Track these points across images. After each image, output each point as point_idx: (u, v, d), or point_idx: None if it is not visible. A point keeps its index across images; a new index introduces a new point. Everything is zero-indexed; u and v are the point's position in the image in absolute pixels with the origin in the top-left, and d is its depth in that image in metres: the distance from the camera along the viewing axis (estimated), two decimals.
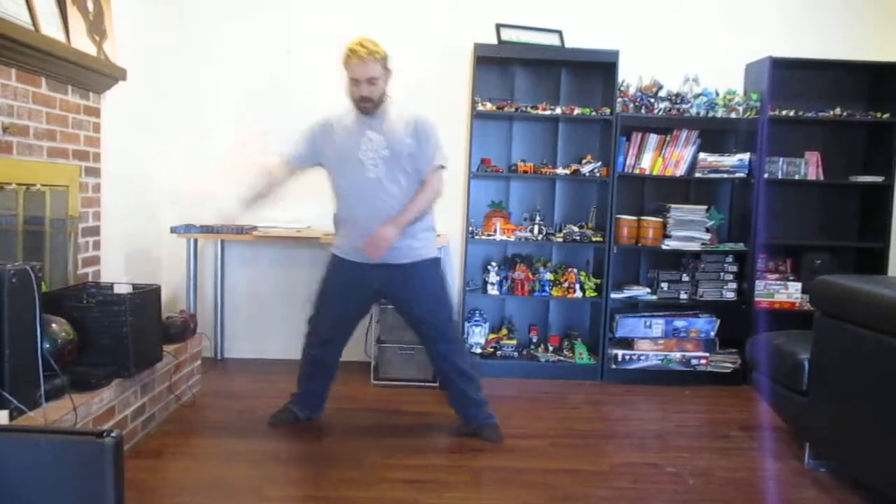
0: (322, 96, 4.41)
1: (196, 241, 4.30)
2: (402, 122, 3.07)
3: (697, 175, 4.32)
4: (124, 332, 2.83)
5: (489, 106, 4.26)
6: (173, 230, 4.11)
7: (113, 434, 1.47)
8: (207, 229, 4.15)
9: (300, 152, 3.24)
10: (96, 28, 3.33)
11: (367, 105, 3.03)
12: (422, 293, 3.21)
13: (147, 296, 3.07)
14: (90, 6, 3.29)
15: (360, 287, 3.23)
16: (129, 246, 3.98)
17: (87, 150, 3.35)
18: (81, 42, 3.16)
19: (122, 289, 3.11)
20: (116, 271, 3.73)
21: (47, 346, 2.48)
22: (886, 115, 4.31)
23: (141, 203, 4.15)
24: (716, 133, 4.44)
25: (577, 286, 4.33)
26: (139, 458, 2.88)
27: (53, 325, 2.61)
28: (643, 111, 4.28)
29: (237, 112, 4.46)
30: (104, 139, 3.49)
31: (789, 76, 4.32)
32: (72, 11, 3.11)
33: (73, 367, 2.65)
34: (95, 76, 3.30)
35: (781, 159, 4.36)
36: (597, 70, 4.40)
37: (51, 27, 2.93)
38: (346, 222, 3.25)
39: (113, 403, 2.78)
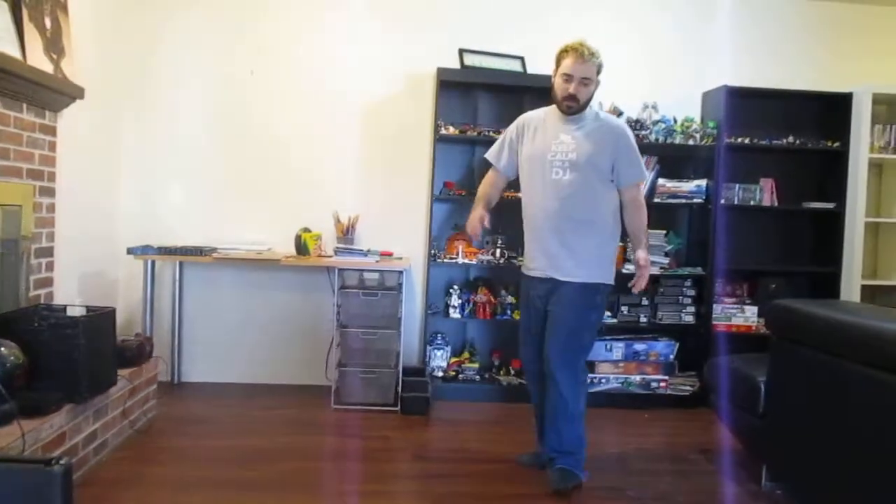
0: (284, 117, 4.45)
1: (153, 263, 4.23)
2: (600, 132, 3.03)
3: (656, 200, 4.39)
4: (77, 355, 2.76)
5: (452, 130, 4.28)
6: (130, 251, 4.04)
7: (62, 461, 1.43)
8: (165, 251, 4.08)
9: (507, 160, 3.24)
10: (53, 46, 3.28)
11: (573, 104, 3.00)
12: (563, 311, 3.02)
13: (101, 318, 3.00)
14: (48, 24, 3.24)
15: (535, 303, 3.13)
16: (84, 267, 3.89)
17: (42, 170, 3.28)
18: (38, 60, 3.10)
19: (75, 311, 3.03)
20: (70, 293, 3.64)
21: None
22: (837, 144, 4.44)
23: (97, 224, 4.07)
24: (674, 159, 4.52)
25: None
26: (91, 487, 2.79)
27: (2, 349, 2.54)
28: None
29: (198, 132, 4.42)
30: (60, 158, 3.43)
31: (745, 104, 4.43)
32: (28, 28, 3.06)
33: (22, 392, 2.57)
34: (52, 94, 3.24)
35: (737, 185, 4.47)
36: None
37: (6, 44, 2.88)
38: (526, 227, 3.20)
39: (64, 429, 2.70)
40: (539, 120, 3.15)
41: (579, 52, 2.97)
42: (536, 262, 3.12)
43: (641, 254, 3.07)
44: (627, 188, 3.07)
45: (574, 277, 3.00)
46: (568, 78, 2.98)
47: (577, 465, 3.05)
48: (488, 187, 3.31)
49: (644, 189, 3.18)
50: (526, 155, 3.14)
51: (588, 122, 3.06)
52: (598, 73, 3.03)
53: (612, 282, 3.11)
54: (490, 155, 3.30)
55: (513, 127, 3.24)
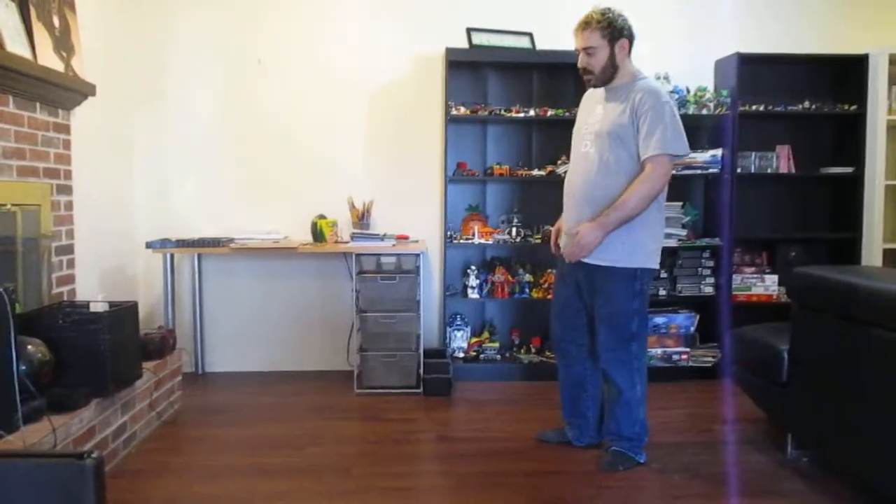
0: (295, 105, 4.45)
1: (172, 256, 4.26)
2: (628, 99, 2.80)
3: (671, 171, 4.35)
4: (102, 350, 2.79)
5: (463, 110, 4.26)
6: (149, 245, 4.07)
7: (93, 455, 1.45)
8: (183, 244, 4.11)
9: None
10: (63, 44, 3.29)
11: (589, 77, 2.88)
12: (605, 300, 2.91)
13: (124, 313, 3.03)
14: (56, 22, 3.25)
15: (567, 280, 3.03)
16: (103, 263, 3.93)
17: (58, 168, 3.31)
18: (48, 58, 3.12)
19: (98, 307, 3.07)
20: (92, 289, 3.68)
21: (23, 368, 2.45)
22: (854, 107, 4.38)
23: (115, 219, 4.10)
24: (687, 130, 4.36)
25: None
26: (122, 479, 2.84)
27: (29, 347, 2.58)
28: None
29: (210, 124, 4.43)
30: (75, 156, 3.45)
31: (758, 71, 4.37)
32: (38, 28, 3.07)
33: (50, 389, 2.62)
34: (63, 92, 3.26)
35: (753, 154, 4.42)
36: (568, 71, 4.40)
37: (16, 44, 2.89)
38: (565, 206, 3.02)
39: (93, 424, 2.75)
40: (591, 93, 3.03)
41: (578, 23, 2.87)
42: (563, 239, 3.02)
43: (586, 225, 2.80)
44: (644, 160, 2.77)
45: (601, 261, 2.85)
46: (578, 52, 2.91)
47: (634, 448, 2.99)
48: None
49: (668, 166, 2.76)
50: (575, 126, 3.06)
51: (622, 93, 2.85)
52: (608, 36, 2.82)
53: (653, 266, 2.90)
54: None
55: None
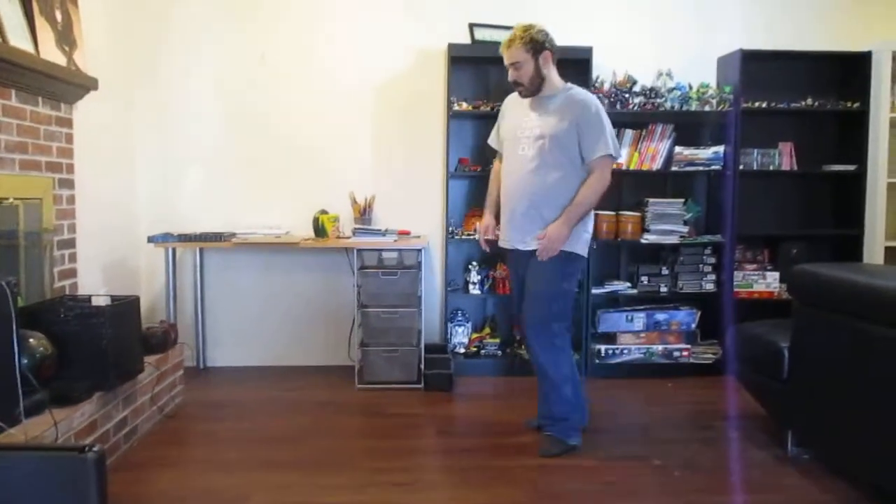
0: (297, 100, 4.44)
1: (174, 250, 4.26)
2: (564, 106, 3.07)
3: (674, 168, 4.35)
4: (104, 344, 2.80)
5: (465, 106, 4.26)
6: (150, 240, 4.07)
7: (95, 448, 1.46)
8: (185, 238, 4.11)
9: (496, 140, 3.37)
10: (65, 38, 3.29)
11: (520, 89, 3.11)
12: (533, 280, 3.11)
13: (126, 307, 3.04)
14: (59, 17, 3.25)
15: (514, 272, 3.27)
16: (106, 257, 3.94)
17: (60, 162, 3.31)
18: (51, 53, 3.12)
19: (100, 301, 3.07)
20: (94, 283, 3.69)
21: (25, 361, 2.46)
22: (857, 104, 4.37)
23: (117, 214, 4.11)
24: (690, 126, 4.47)
25: None
26: (123, 472, 2.85)
27: (31, 340, 2.58)
28: (618, 106, 4.30)
29: (212, 118, 4.43)
30: (77, 150, 3.45)
31: (761, 68, 4.37)
32: (40, 22, 3.07)
33: (52, 382, 2.62)
34: (66, 86, 3.26)
35: (755, 150, 4.41)
36: (571, 66, 4.37)
37: (19, 38, 2.89)
38: (501, 203, 3.26)
39: (94, 417, 2.75)
40: (516, 99, 3.22)
41: (504, 42, 3.09)
42: (507, 234, 3.22)
43: (551, 227, 3.02)
44: (590, 163, 3.04)
45: (534, 246, 3.08)
46: (508, 67, 3.10)
47: (566, 431, 3.13)
48: (495, 180, 3.37)
49: (610, 165, 3.07)
50: (503, 133, 3.27)
51: (556, 99, 3.10)
52: (531, 50, 3.04)
53: (582, 252, 3.13)
54: (491, 140, 3.42)
55: (503, 107, 3.34)
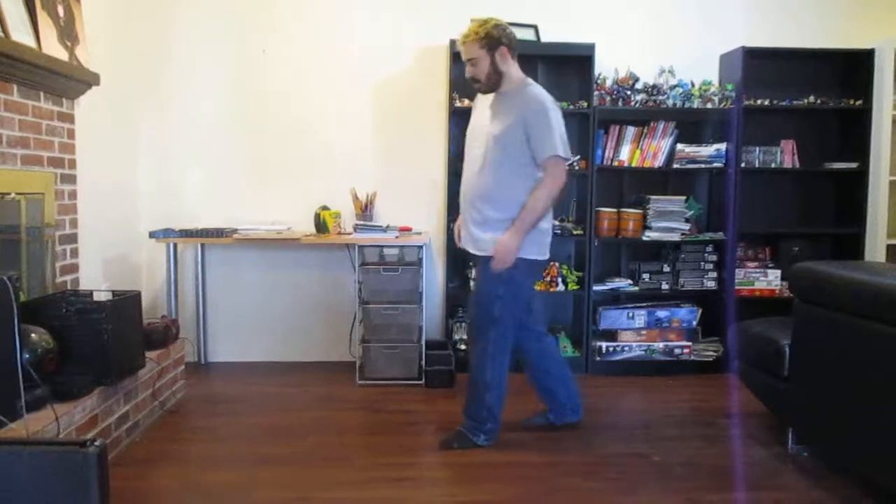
0: (298, 96, 4.44)
1: (175, 246, 4.26)
2: (516, 105, 2.99)
3: (675, 166, 4.35)
4: (105, 339, 2.80)
5: (467, 102, 4.25)
6: (152, 235, 4.08)
7: (97, 443, 1.46)
8: (186, 233, 4.11)
9: None
10: (67, 33, 3.29)
11: (477, 85, 3.07)
12: (477, 283, 3.16)
13: (127, 302, 3.04)
14: (61, 12, 3.25)
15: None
16: (107, 252, 3.94)
17: (62, 157, 3.31)
18: (52, 48, 3.12)
19: (101, 296, 3.07)
20: (95, 278, 3.69)
21: (27, 356, 2.46)
22: (859, 102, 4.36)
23: (118, 209, 4.11)
24: (692, 124, 4.47)
25: (560, 280, 4.35)
26: (125, 467, 2.86)
27: (33, 335, 2.58)
28: (620, 104, 4.30)
29: (214, 114, 4.43)
30: (79, 145, 3.45)
31: (763, 65, 4.36)
32: (42, 17, 3.07)
33: (54, 377, 2.63)
34: (68, 82, 3.26)
35: (757, 148, 4.41)
36: (573, 64, 4.42)
37: (21, 33, 2.89)
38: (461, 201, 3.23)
39: (96, 412, 2.76)
40: (482, 98, 3.17)
41: (460, 37, 3.03)
42: (464, 236, 3.19)
43: (504, 237, 2.96)
44: (541, 164, 2.96)
45: (485, 251, 3.03)
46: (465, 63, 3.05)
47: (474, 430, 3.13)
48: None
49: (563, 166, 2.97)
50: (468, 129, 3.21)
51: (510, 98, 3.02)
52: (486, 45, 2.97)
53: (534, 256, 3.05)
54: None
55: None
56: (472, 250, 3.12)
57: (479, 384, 3.10)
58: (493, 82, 3.03)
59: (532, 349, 3.29)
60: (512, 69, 3.05)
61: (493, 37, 2.98)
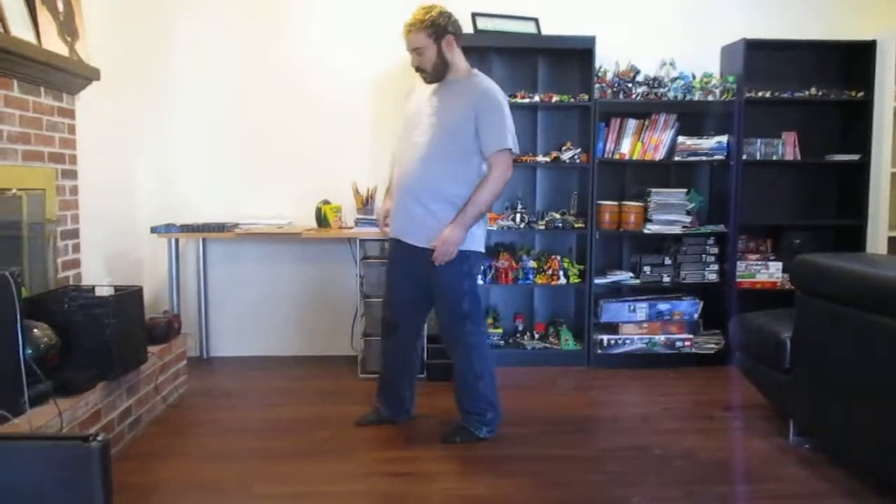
0: (298, 90, 4.43)
1: (177, 241, 4.27)
2: (465, 95, 2.96)
3: (676, 158, 4.34)
4: (107, 334, 2.81)
5: None
6: (153, 230, 4.08)
7: (99, 438, 1.46)
8: (188, 228, 4.12)
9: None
10: (67, 28, 3.29)
11: (424, 74, 3.00)
12: (437, 283, 3.05)
13: (129, 297, 3.04)
14: (60, 6, 3.25)
15: (408, 267, 3.11)
16: (109, 247, 3.94)
17: (63, 153, 3.31)
18: (52, 43, 3.11)
19: (103, 291, 3.07)
20: (97, 274, 3.69)
21: (30, 351, 2.47)
22: (861, 94, 4.35)
23: (120, 204, 4.11)
24: (693, 116, 4.46)
25: (561, 273, 4.35)
26: (128, 461, 2.87)
27: (35, 331, 2.59)
28: (621, 96, 4.29)
29: (215, 109, 4.43)
30: (80, 141, 3.45)
31: (764, 57, 4.35)
32: (42, 12, 3.06)
33: (56, 372, 2.63)
34: (68, 77, 3.25)
35: (759, 140, 4.40)
36: (574, 57, 4.41)
37: (20, 28, 2.89)
38: (394, 193, 3.12)
39: (98, 407, 2.77)
40: (421, 85, 3.11)
41: (404, 26, 2.96)
42: (394, 222, 3.12)
43: (446, 231, 2.92)
44: (489, 157, 2.94)
45: (431, 243, 2.98)
46: (410, 53, 2.98)
47: (474, 422, 3.14)
48: (391, 167, 3.24)
49: (509, 160, 2.97)
50: (405, 114, 3.14)
51: (459, 88, 2.99)
52: (433, 34, 2.92)
53: (480, 249, 3.09)
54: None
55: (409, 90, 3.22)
56: (416, 242, 3.03)
57: (469, 376, 3.12)
58: (440, 72, 2.98)
59: (413, 345, 3.31)
60: (458, 58, 3.01)
61: (439, 25, 2.93)
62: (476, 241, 3.07)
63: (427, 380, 4.00)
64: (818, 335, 2.83)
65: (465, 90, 2.97)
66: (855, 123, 4.44)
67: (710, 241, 4.40)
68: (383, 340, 3.32)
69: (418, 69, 2.99)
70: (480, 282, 4.33)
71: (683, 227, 4.35)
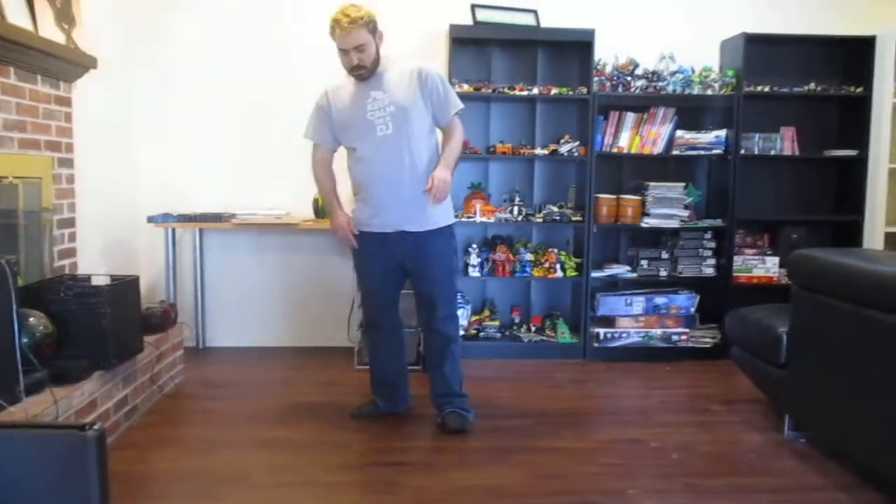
0: (296, 80, 4.41)
1: (174, 231, 4.26)
2: (406, 76, 3.02)
3: (675, 152, 4.34)
4: (103, 323, 2.81)
5: (466, 87, 4.23)
6: (150, 220, 4.07)
7: (95, 427, 1.46)
8: (185, 218, 4.11)
9: (325, 133, 3.16)
10: (64, 16, 3.27)
11: (362, 72, 2.99)
12: (434, 262, 3.12)
13: (125, 287, 3.04)
14: None
15: (385, 258, 3.13)
16: (105, 237, 3.93)
17: (60, 141, 3.30)
18: (49, 30, 3.10)
19: (99, 280, 3.07)
20: (94, 263, 3.68)
21: (25, 340, 2.46)
22: (860, 89, 4.35)
23: (116, 193, 4.10)
24: (692, 110, 4.45)
25: (558, 266, 4.35)
26: (123, 450, 2.86)
27: (31, 319, 2.58)
28: (620, 90, 4.28)
29: (212, 98, 4.41)
30: (77, 129, 3.44)
31: (764, 52, 4.34)
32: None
33: (52, 361, 2.63)
34: (65, 65, 3.24)
35: (757, 135, 4.40)
36: (573, 49, 4.40)
37: (17, 15, 2.87)
38: (366, 189, 3.10)
39: (94, 396, 2.76)
40: (344, 85, 3.10)
41: (341, 25, 2.91)
42: (387, 218, 3.07)
43: (438, 171, 2.97)
44: (451, 121, 3.10)
45: (434, 224, 3.08)
46: (344, 52, 2.96)
47: (465, 406, 3.23)
48: (326, 174, 3.21)
49: (459, 122, 3.14)
50: (344, 121, 3.09)
51: (394, 74, 3.04)
52: (373, 31, 2.96)
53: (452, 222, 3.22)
54: (307, 134, 3.21)
55: (321, 98, 3.17)
56: (419, 228, 3.06)
57: (457, 356, 3.23)
58: (375, 67, 3.01)
59: (400, 335, 3.39)
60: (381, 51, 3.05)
61: (373, 21, 2.97)
62: (452, 215, 3.20)
63: (423, 371, 3.99)
64: (814, 330, 2.83)
65: (400, 75, 3.03)
66: (853, 119, 4.44)
67: (708, 236, 4.40)
68: (372, 342, 3.36)
69: (356, 67, 2.97)
70: (477, 274, 4.34)
71: (681, 221, 4.35)
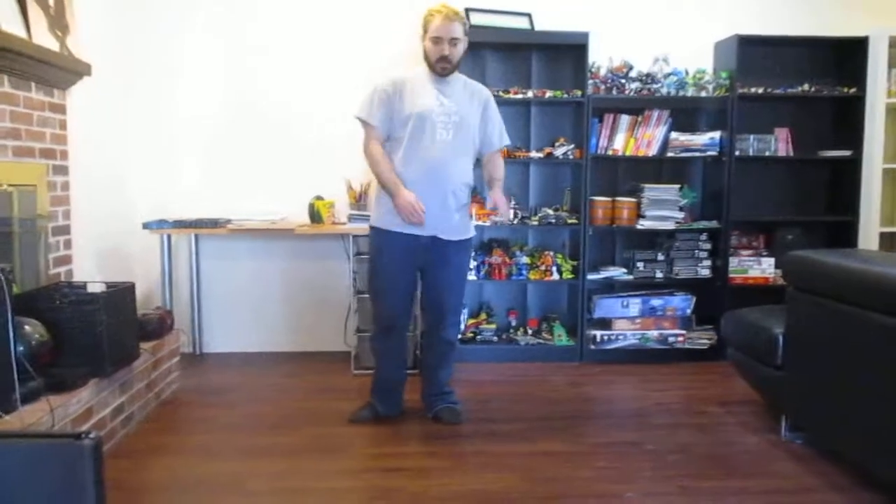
0: (293, 86, 4.42)
1: (169, 237, 4.26)
2: (469, 94, 3.15)
3: (670, 154, 4.35)
4: (99, 331, 2.80)
5: None
6: (146, 226, 4.07)
7: (92, 435, 1.46)
8: (180, 224, 4.10)
9: (383, 117, 3.11)
10: (58, 23, 3.27)
11: (447, 66, 3.05)
12: (454, 271, 3.21)
13: (121, 294, 3.03)
14: (51, 1, 3.22)
15: (412, 261, 3.14)
16: (101, 244, 3.92)
17: (54, 148, 3.30)
18: (43, 37, 3.10)
19: (95, 287, 3.06)
20: (89, 270, 3.68)
21: (21, 348, 2.46)
22: (853, 90, 4.37)
23: (112, 200, 4.09)
24: (687, 112, 4.46)
25: (554, 269, 4.35)
26: (120, 458, 2.86)
27: (27, 327, 2.58)
28: (614, 92, 4.29)
29: (207, 104, 4.41)
30: (71, 136, 3.44)
31: (757, 53, 4.36)
32: (32, 7, 3.05)
33: (48, 369, 2.62)
34: (59, 72, 3.23)
35: (752, 136, 4.41)
36: (567, 52, 4.40)
37: (10, 23, 2.87)
38: (407, 187, 3.04)
39: (91, 404, 2.76)
40: (414, 79, 3.11)
41: (445, 14, 3.01)
42: (435, 223, 3.07)
43: (498, 194, 3.14)
44: (495, 150, 3.24)
45: (462, 235, 3.18)
46: (438, 40, 3.02)
47: (455, 399, 3.39)
48: (385, 155, 3.12)
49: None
50: (407, 113, 3.05)
51: (459, 85, 3.15)
52: (466, 31, 3.09)
53: None
54: (366, 115, 3.14)
55: (386, 84, 3.11)
56: (449, 237, 3.13)
57: (453, 356, 3.38)
58: (456, 67, 3.10)
59: (406, 339, 3.47)
60: None
61: (467, 25, 3.11)
62: (473, 228, 3.33)
63: (420, 375, 3.98)
64: (810, 331, 2.84)
65: (469, 89, 3.16)
66: (847, 119, 4.45)
67: (703, 237, 4.41)
68: (381, 344, 3.32)
69: (444, 59, 3.02)
70: (473, 277, 4.34)
71: (676, 222, 4.36)
